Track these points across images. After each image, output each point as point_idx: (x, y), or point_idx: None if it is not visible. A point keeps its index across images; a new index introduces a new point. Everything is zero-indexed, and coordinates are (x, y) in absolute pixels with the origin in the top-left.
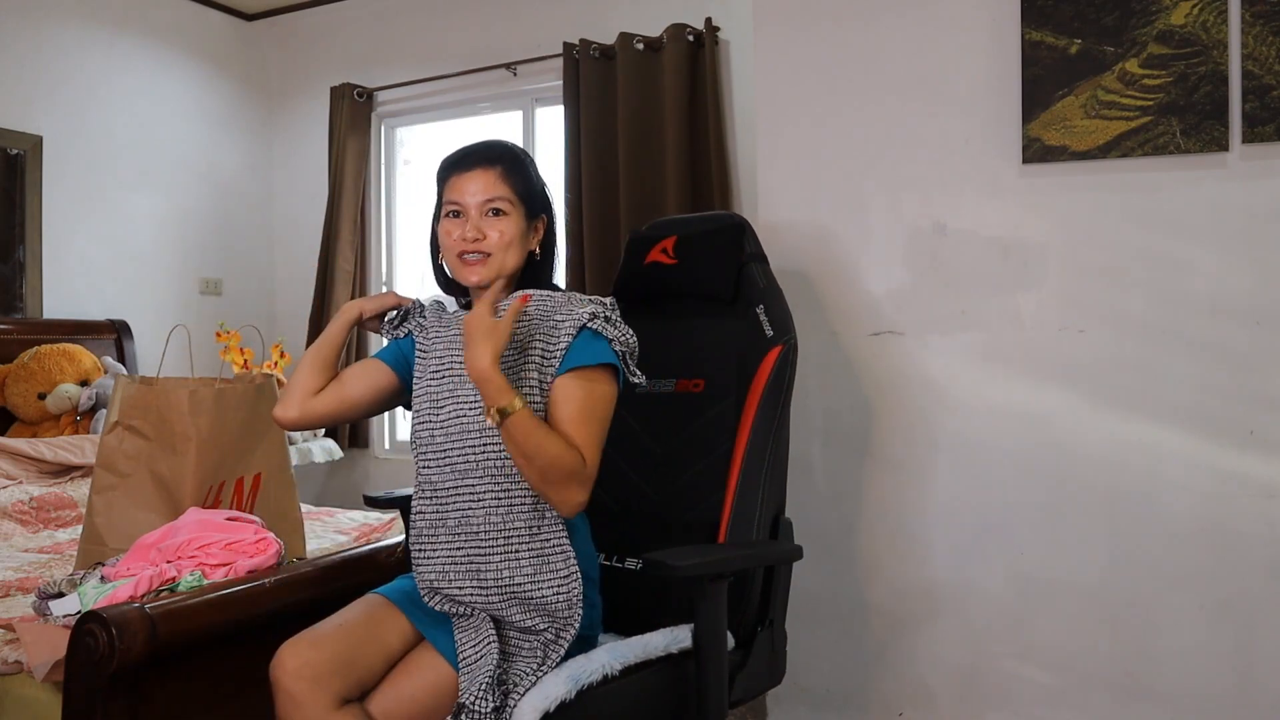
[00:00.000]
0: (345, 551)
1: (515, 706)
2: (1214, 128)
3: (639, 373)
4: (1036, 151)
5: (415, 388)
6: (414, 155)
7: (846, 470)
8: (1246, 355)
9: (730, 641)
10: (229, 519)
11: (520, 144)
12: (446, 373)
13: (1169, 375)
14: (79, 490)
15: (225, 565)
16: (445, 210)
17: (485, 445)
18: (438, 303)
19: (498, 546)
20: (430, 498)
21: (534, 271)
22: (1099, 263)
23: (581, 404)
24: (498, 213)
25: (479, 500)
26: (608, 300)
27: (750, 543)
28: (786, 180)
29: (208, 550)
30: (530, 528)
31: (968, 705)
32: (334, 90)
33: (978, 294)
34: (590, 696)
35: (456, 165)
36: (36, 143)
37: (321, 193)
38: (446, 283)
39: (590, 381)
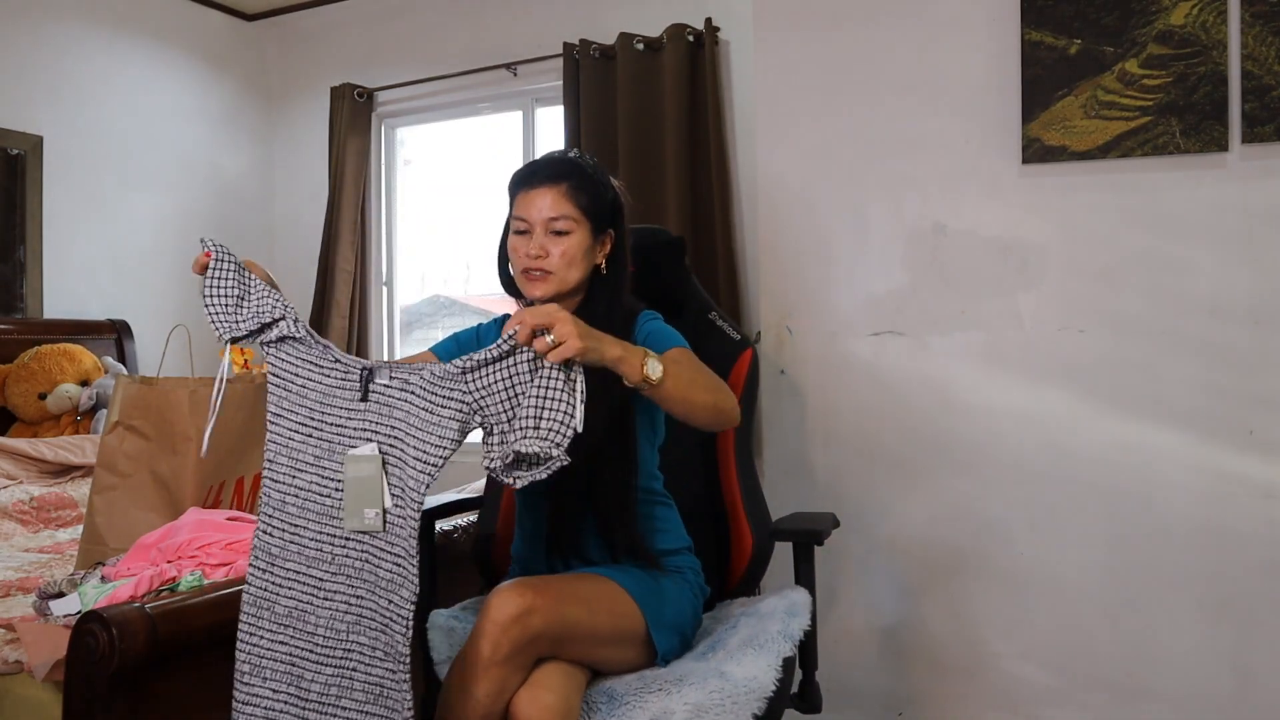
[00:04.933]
0: None
1: None
2: (1214, 128)
3: None
4: (1036, 152)
5: (272, 425)
6: (414, 155)
7: (846, 470)
8: (1246, 355)
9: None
10: (229, 519)
11: (520, 144)
12: (314, 432)
13: (1169, 375)
14: (79, 490)
15: (225, 565)
16: (513, 226)
17: (348, 541)
18: (309, 329)
19: (332, 659)
20: (264, 567)
21: (599, 286)
22: (1099, 263)
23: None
24: (561, 232)
25: (325, 598)
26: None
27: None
28: (786, 180)
29: (208, 550)
30: (373, 650)
31: (968, 705)
32: (334, 90)
33: (978, 294)
34: None
35: (523, 182)
36: (36, 143)
37: (321, 193)
38: (513, 290)
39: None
